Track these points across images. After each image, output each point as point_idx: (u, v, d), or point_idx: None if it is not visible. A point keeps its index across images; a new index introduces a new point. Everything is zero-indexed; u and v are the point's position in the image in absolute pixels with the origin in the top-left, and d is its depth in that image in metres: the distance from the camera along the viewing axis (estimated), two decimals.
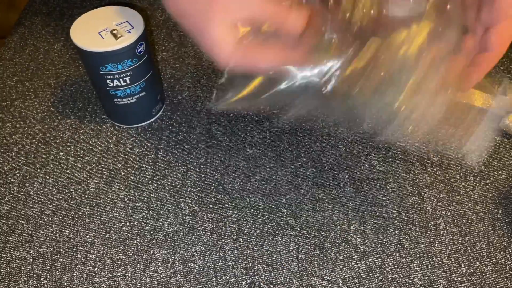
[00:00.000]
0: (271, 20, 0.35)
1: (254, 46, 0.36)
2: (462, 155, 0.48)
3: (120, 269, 0.43)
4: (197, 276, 0.42)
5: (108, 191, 0.48)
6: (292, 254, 0.44)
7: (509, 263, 0.43)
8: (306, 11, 0.36)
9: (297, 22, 0.35)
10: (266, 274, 0.42)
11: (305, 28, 0.36)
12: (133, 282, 0.42)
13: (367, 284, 0.42)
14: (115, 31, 0.46)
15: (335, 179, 0.49)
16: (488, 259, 0.43)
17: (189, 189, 0.48)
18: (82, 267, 0.43)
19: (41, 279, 0.42)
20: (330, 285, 0.42)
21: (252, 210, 0.46)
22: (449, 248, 0.44)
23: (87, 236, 0.45)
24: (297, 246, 0.44)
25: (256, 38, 0.36)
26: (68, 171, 0.50)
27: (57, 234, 0.45)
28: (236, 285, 0.42)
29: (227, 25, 0.34)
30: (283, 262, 0.43)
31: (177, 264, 0.43)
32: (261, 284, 0.42)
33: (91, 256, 0.43)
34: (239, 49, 0.35)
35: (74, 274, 0.42)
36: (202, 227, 0.45)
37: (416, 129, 0.39)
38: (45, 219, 0.46)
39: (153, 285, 0.42)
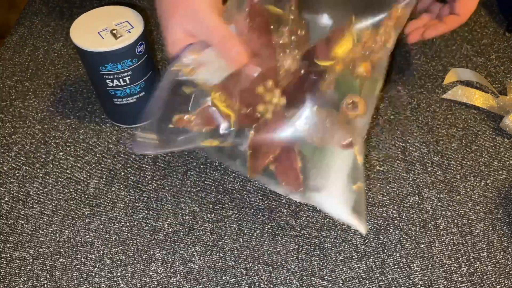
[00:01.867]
0: (215, 46, 0.40)
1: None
2: None
3: (120, 269, 0.43)
4: (197, 276, 0.42)
5: (108, 191, 0.48)
6: (292, 254, 0.43)
7: (509, 263, 0.43)
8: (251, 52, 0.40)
9: (239, 57, 0.40)
10: (266, 274, 0.42)
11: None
12: (133, 282, 0.42)
13: (367, 284, 0.42)
14: (115, 31, 0.46)
15: None
16: (488, 259, 0.43)
17: (189, 189, 0.48)
18: (82, 267, 0.43)
19: (41, 279, 0.42)
20: (330, 285, 0.42)
21: (252, 210, 0.46)
22: (450, 248, 0.44)
23: (87, 236, 0.45)
24: (297, 246, 0.44)
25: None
26: (67, 171, 0.50)
27: (57, 234, 0.45)
28: (236, 285, 0.42)
29: (179, 32, 0.41)
30: (283, 262, 0.43)
31: (177, 264, 0.43)
32: (261, 284, 0.42)
33: (91, 256, 0.43)
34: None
35: (74, 274, 0.42)
36: (202, 227, 0.45)
37: None
38: (45, 219, 0.46)
39: (153, 285, 0.42)
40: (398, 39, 0.48)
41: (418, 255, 0.43)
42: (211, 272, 0.42)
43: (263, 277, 0.42)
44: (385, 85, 0.57)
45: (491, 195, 0.48)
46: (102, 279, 0.42)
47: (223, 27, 0.40)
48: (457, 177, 0.49)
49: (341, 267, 0.43)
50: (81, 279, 0.42)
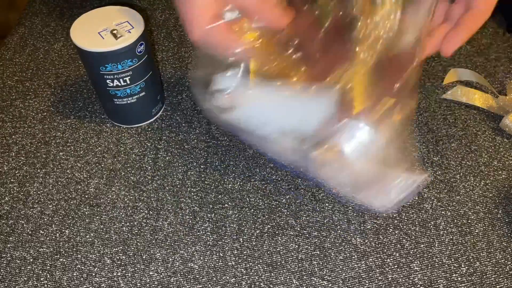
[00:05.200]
0: (256, 13, 0.34)
1: (228, 28, 0.35)
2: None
3: (120, 269, 0.43)
4: (197, 276, 0.42)
5: (108, 191, 0.48)
6: (292, 254, 0.44)
7: (509, 263, 0.43)
8: (291, 11, 0.36)
9: (281, 19, 0.35)
10: (266, 274, 0.42)
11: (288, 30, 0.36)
12: (133, 282, 0.42)
13: (367, 284, 0.42)
14: (115, 31, 0.46)
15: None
16: (488, 259, 0.43)
17: (189, 189, 0.48)
18: (82, 267, 0.43)
19: (41, 279, 0.42)
20: (330, 285, 0.42)
21: (252, 210, 0.46)
22: (449, 248, 0.44)
23: (87, 236, 0.45)
24: (297, 246, 0.44)
25: (232, 19, 0.35)
26: (68, 171, 0.50)
27: (57, 234, 0.45)
28: (236, 285, 0.42)
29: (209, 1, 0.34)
30: (283, 262, 0.43)
31: (177, 264, 0.43)
32: (261, 284, 0.42)
33: (91, 256, 0.43)
34: (213, 28, 0.34)
35: (74, 274, 0.42)
36: (202, 227, 0.45)
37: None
38: (45, 219, 0.46)
39: (153, 285, 0.42)
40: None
41: (417, 255, 0.43)
42: (211, 272, 0.43)
43: (263, 277, 0.42)
44: None
45: (490, 195, 0.48)
46: (102, 279, 0.42)
47: None
48: (456, 177, 0.49)
49: (341, 267, 0.43)
50: (81, 279, 0.42)
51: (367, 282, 0.42)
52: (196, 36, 0.34)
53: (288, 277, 0.42)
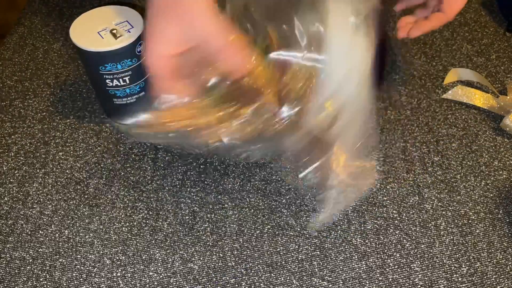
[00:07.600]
0: (219, 57, 0.35)
1: (174, 72, 0.36)
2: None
3: (119, 270, 0.43)
4: (197, 277, 0.42)
5: (108, 191, 0.48)
6: (292, 254, 0.43)
7: (509, 263, 0.43)
8: (252, 58, 0.36)
9: (243, 66, 0.35)
10: (266, 275, 0.42)
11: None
12: (132, 282, 0.42)
13: (367, 285, 0.42)
14: (114, 31, 0.46)
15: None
16: (489, 259, 0.43)
17: (189, 189, 0.48)
18: (82, 268, 0.43)
19: (41, 279, 0.42)
20: (330, 285, 0.42)
21: (252, 210, 0.46)
22: (450, 248, 0.44)
23: (87, 237, 0.45)
24: (297, 247, 0.44)
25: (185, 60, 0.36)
26: (67, 171, 0.49)
27: (57, 234, 0.45)
28: (236, 285, 0.42)
29: (169, 37, 0.34)
30: (283, 262, 0.43)
31: (176, 265, 0.43)
32: (261, 284, 0.42)
33: (90, 256, 0.43)
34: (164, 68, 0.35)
35: (74, 274, 0.42)
36: (202, 228, 0.45)
37: None
38: (45, 219, 0.46)
39: (152, 286, 0.42)
40: (397, 39, 0.51)
41: (418, 255, 0.43)
42: (211, 272, 0.42)
43: (263, 277, 0.42)
44: (385, 85, 0.57)
45: (491, 195, 0.48)
46: (102, 279, 0.42)
47: (225, 31, 0.34)
48: (457, 177, 0.49)
49: (341, 267, 0.43)
50: (81, 279, 0.42)
51: (367, 282, 0.42)
52: (149, 66, 0.36)
53: (288, 278, 0.42)
